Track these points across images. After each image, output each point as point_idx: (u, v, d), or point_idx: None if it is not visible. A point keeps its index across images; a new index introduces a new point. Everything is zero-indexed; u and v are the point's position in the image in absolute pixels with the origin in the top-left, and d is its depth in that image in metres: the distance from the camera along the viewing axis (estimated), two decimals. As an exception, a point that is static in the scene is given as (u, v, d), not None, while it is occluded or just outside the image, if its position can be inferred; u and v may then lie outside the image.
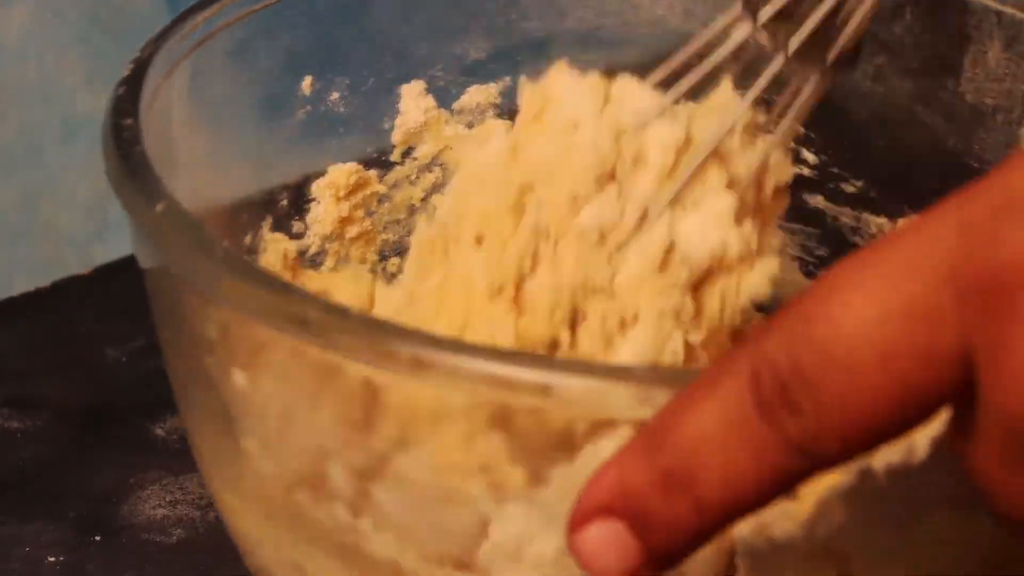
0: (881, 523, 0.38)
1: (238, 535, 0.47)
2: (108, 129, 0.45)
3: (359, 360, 0.38)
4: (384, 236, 0.60)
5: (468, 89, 0.60)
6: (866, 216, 0.59)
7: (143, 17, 0.80)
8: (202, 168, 0.52)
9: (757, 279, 0.45)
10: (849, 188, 0.60)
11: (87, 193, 0.80)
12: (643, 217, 0.44)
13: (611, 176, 0.44)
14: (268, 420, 0.42)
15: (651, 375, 0.37)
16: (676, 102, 0.44)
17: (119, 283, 0.71)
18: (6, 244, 0.79)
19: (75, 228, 0.81)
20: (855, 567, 0.39)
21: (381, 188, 0.60)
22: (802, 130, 0.57)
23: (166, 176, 0.43)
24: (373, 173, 0.59)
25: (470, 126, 0.61)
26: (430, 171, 0.61)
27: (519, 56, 0.60)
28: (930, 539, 0.39)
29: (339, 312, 0.38)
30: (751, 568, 0.39)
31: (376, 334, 0.37)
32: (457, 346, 0.37)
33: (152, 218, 0.41)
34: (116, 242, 0.76)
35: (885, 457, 0.37)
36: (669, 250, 0.44)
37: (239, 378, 0.41)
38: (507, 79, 0.60)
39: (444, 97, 0.60)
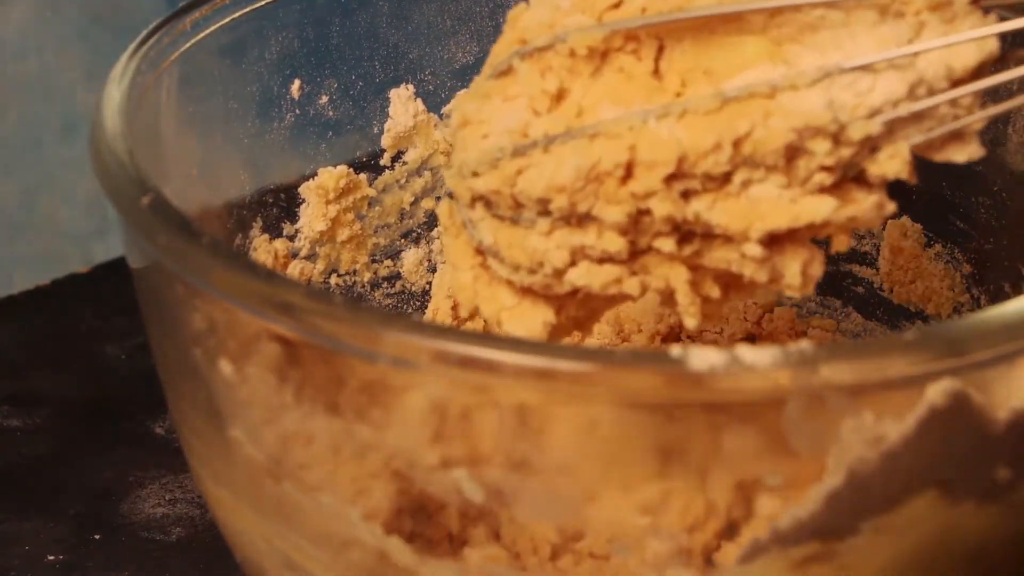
0: (868, 504, 0.38)
1: (227, 529, 0.48)
2: (95, 126, 0.45)
3: (343, 345, 0.38)
4: (375, 240, 0.60)
5: (457, 93, 0.60)
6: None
7: (143, 13, 0.81)
8: (192, 169, 0.52)
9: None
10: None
11: (87, 190, 0.81)
12: None
13: None
14: (254, 409, 0.42)
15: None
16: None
17: (119, 280, 0.71)
18: (6, 241, 0.80)
19: (75, 225, 0.82)
20: (844, 547, 0.39)
21: (371, 192, 0.60)
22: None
23: (156, 177, 0.43)
24: (363, 177, 0.59)
25: (459, 131, 0.61)
26: (419, 175, 0.61)
27: (507, 60, 0.60)
28: (914, 521, 0.39)
29: (323, 298, 0.38)
30: (749, 549, 0.39)
31: (360, 320, 0.37)
32: (441, 331, 0.37)
33: (139, 210, 0.42)
34: (116, 240, 0.76)
35: (874, 438, 0.37)
36: None
37: (226, 368, 0.42)
38: (496, 83, 0.61)
39: (433, 101, 0.60)
